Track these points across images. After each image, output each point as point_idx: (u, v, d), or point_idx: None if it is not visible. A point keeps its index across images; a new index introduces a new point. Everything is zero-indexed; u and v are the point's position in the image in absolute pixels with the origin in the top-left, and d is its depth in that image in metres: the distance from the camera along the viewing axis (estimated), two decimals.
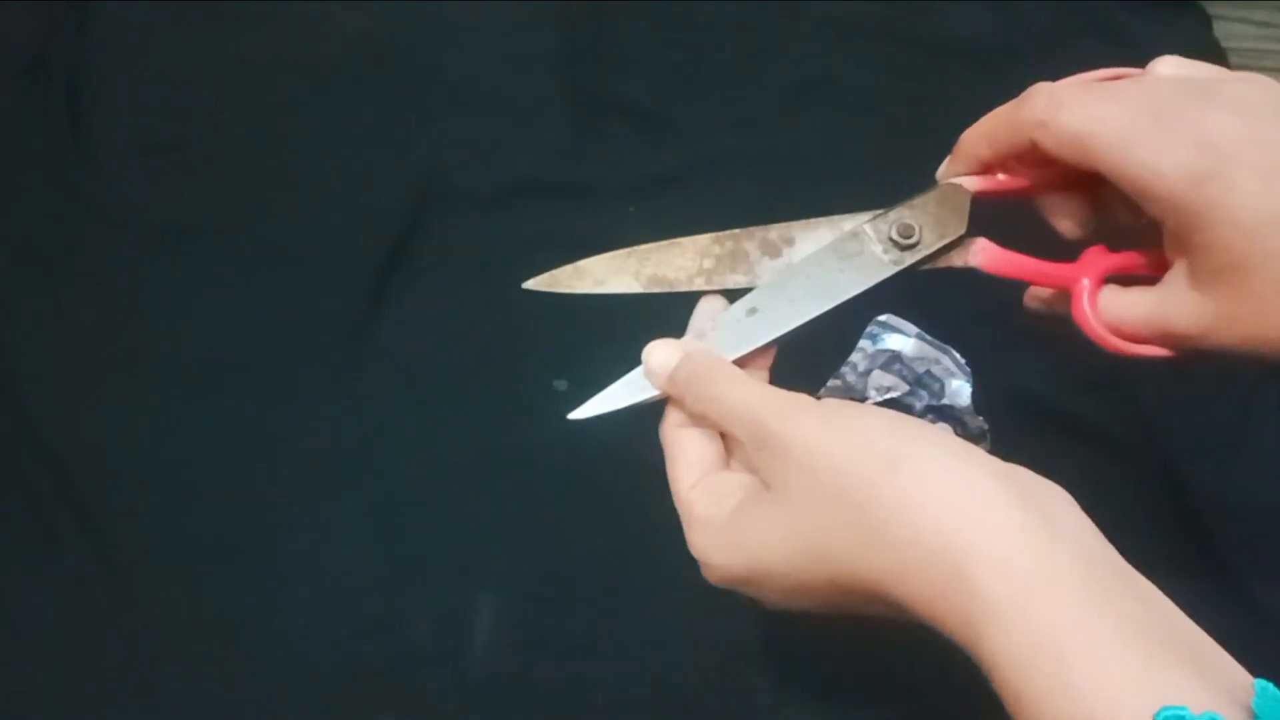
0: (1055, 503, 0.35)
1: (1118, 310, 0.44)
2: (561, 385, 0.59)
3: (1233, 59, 0.70)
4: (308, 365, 0.59)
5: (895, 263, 0.44)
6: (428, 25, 0.70)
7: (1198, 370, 0.55)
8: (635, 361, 0.46)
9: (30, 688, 0.52)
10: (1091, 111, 0.41)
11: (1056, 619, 0.31)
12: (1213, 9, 0.72)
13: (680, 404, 0.43)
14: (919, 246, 0.44)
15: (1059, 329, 0.46)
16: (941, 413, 0.44)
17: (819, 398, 0.41)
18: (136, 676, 0.52)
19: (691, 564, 0.42)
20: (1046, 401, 0.57)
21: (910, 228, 0.44)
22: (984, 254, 0.46)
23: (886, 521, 0.35)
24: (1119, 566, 0.34)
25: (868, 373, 0.44)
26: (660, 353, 0.44)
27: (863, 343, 0.44)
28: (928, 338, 0.44)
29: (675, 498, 0.42)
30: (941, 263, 0.45)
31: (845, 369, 0.44)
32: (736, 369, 0.43)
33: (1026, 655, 0.31)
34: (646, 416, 0.46)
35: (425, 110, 0.67)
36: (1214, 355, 0.42)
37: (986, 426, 0.44)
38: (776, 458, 0.38)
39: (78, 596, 0.54)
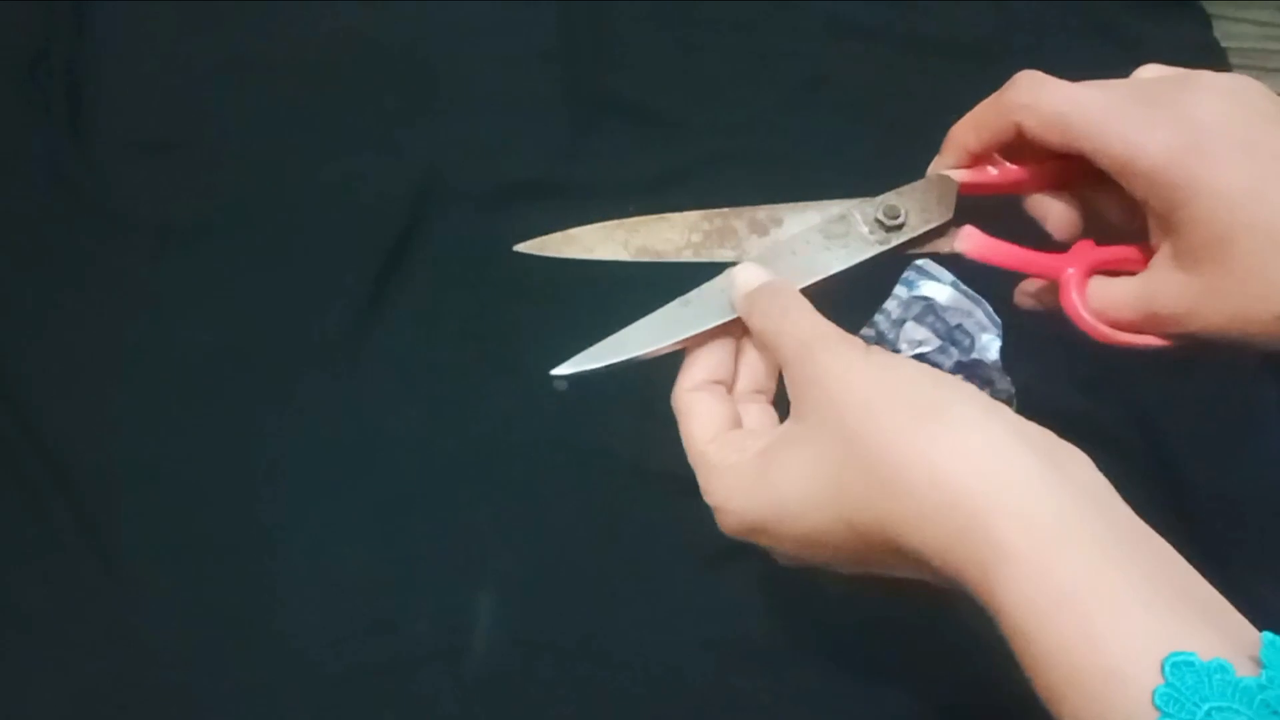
0: (1075, 462, 0.36)
1: (1106, 297, 0.44)
2: (561, 385, 0.59)
3: (1233, 59, 0.70)
4: (308, 365, 0.59)
5: (880, 243, 0.45)
6: (427, 25, 0.70)
7: (1197, 369, 0.55)
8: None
9: (30, 688, 0.52)
10: (1074, 94, 0.43)
11: (1077, 571, 0.32)
12: (1213, 9, 0.72)
13: (747, 319, 0.44)
14: (904, 229, 0.45)
15: (1049, 325, 0.46)
16: (970, 369, 0.44)
17: None
18: (136, 676, 0.52)
19: (691, 564, 0.42)
20: (1046, 401, 0.57)
21: (896, 210, 0.45)
22: (970, 240, 0.46)
23: (907, 466, 0.35)
24: (1135, 523, 0.34)
25: (901, 322, 0.44)
26: (748, 271, 0.44)
27: (898, 289, 0.45)
28: (963, 287, 0.45)
29: (690, 452, 0.43)
30: (928, 248, 0.46)
31: (879, 317, 0.45)
32: (806, 302, 0.43)
33: (1046, 606, 0.32)
34: (649, 418, 0.46)
35: (425, 110, 0.67)
36: (1203, 340, 0.42)
37: (1014, 390, 0.44)
38: (813, 385, 0.39)
39: (78, 596, 0.54)
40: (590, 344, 0.46)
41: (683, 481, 0.43)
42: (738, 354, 0.45)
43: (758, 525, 0.40)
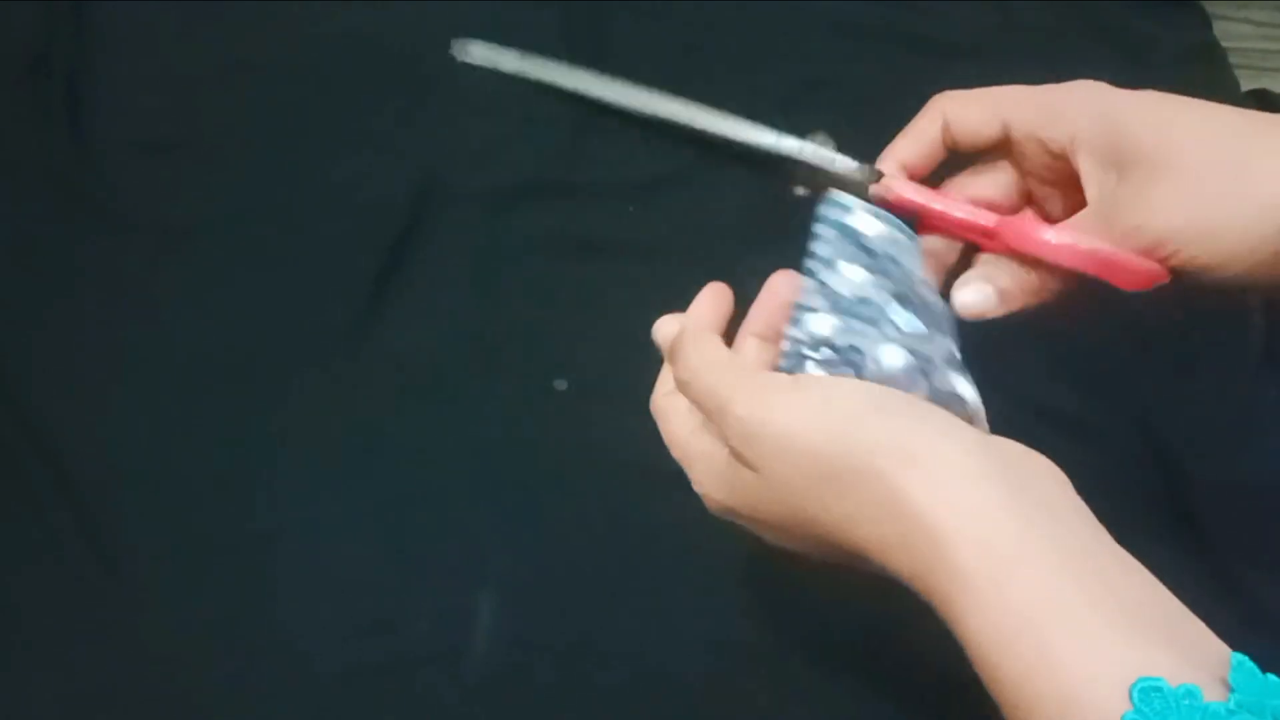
0: (1038, 477, 0.36)
1: (1062, 233, 0.44)
2: (561, 385, 0.59)
3: (1233, 59, 0.70)
4: (308, 365, 0.59)
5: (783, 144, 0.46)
6: (428, 25, 0.70)
7: (1197, 369, 0.55)
8: (635, 361, 0.46)
9: (30, 688, 0.52)
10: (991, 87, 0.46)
11: (1034, 597, 0.32)
12: (1213, 9, 0.72)
13: (674, 372, 0.44)
14: (817, 146, 0.46)
15: (1049, 325, 0.46)
16: (918, 309, 0.44)
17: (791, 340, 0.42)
18: (136, 676, 0.52)
19: (691, 564, 0.42)
20: (1046, 401, 0.57)
21: (821, 138, 0.46)
22: (898, 183, 0.46)
23: (869, 501, 0.35)
24: (1099, 540, 0.34)
25: (832, 262, 0.44)
26: (664, 326, 0.45)
27: (820, 228, 0.45)
28: (878, 210, 0.45)
29: (674, 449, 0.43)
30: (852, 188, 0.46)
31: (811, 262, 0.44)
32: (717, 346, 0.43)
33: (1005, 634, 0.32)
34: (649, 417, 0.46)
35: (425, 110, 0.67)
36: (1168, 257, 0.41)
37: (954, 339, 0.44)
38: (751, 443, 0.39)
39: (78, 596, 0.54)
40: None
41: (683, 481, 0.43)
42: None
43: (733, 512, 0.41)
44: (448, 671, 0.52)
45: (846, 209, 0.45)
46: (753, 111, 0.61)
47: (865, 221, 0.45)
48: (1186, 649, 0.31)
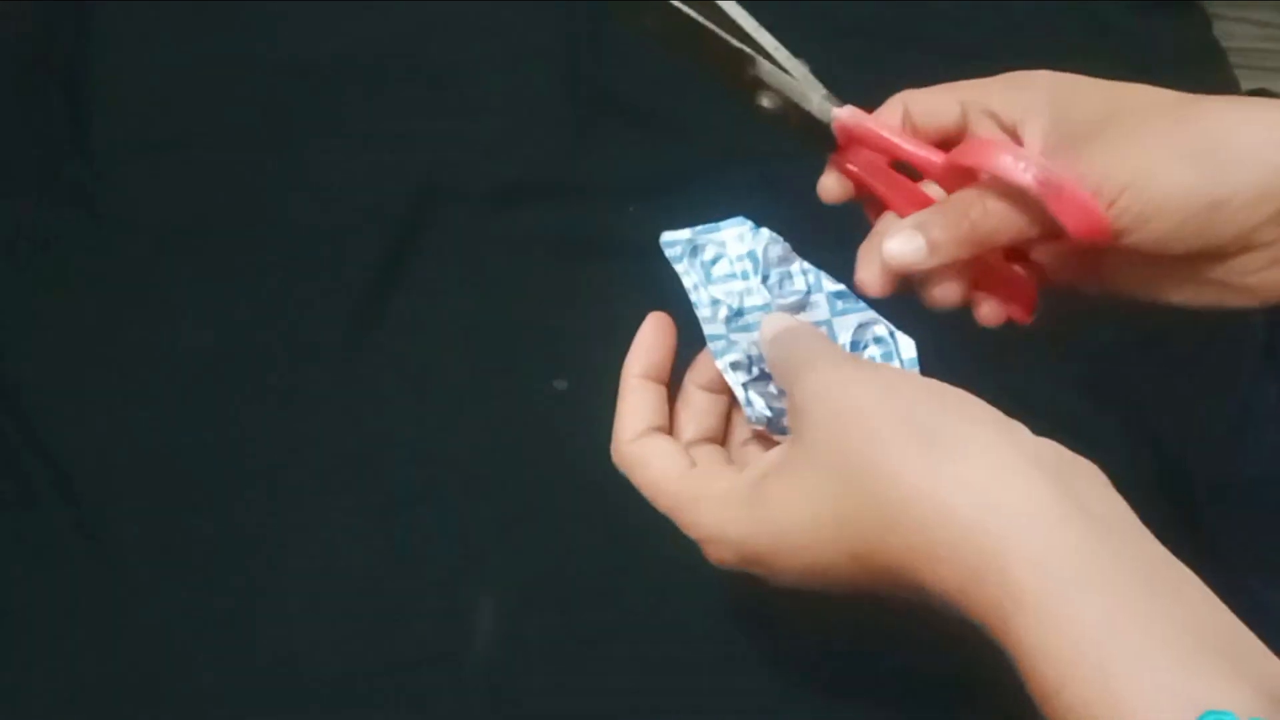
0: (1091, 485, 0.34)
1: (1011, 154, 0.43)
2: (561, 385, 0.59)
3: (1233, 59, 0.70)
4: (308, 365, 0.59)
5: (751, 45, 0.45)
6: (428, 26, 0.70)
7: (1196, 368, 0.55)
8: None
9: (30, 687, 0.52)
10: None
11: (1096, 620, 0.30)
12: (1213, 9, 0.72)
13: (769, 358, 0.43)
14: (784, 70, 0.46)
15: (1048, 325, 0.46)
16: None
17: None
18: (136, 676, 0.52)
19: (691, 564, 0.42)
20: (1046, 401, 0.57)
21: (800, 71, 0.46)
22: (851, 112, 0.46)
23: (916, 498, 0.34)
24: (1155, 555, 0.33)
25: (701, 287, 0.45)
26: (774, 320, 0.43)
27: (679, 268, 0.45)
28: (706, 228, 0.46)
29: (659, 495, 0.41)
30: (815, 108, 0.46)
31: (700, 311, 0.44)
32: (822, 334, 0.43)
33: (1065, 655, 0.30)
34: None
35: (425, 110, 0.67)
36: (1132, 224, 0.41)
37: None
38: (815, 400, 0.37)
39: (78, 596, 0.54)
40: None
41: None
42: (677, 404, 0.44)
43: (754, 556, 0.39)
44: (448, 672, 0.52)
45: (680, 240, 0.46)
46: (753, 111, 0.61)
47: (727, 236, 0.46)
48: (1248, 673, 0.30)
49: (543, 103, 0.67)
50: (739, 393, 0.42)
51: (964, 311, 0.48)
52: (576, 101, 0.67)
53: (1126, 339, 0.59)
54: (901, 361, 0.43)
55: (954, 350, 0.45)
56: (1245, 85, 0.69)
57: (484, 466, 0.57)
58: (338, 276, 0.61)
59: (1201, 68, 0.70)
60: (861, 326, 0.44)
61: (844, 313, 0.44)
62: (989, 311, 0.45)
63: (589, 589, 0.54)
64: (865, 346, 0.44)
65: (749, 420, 0.42)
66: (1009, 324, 0.47)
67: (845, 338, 0.44)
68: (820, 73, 0.47)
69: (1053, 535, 0.32)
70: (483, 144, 0.66)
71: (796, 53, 0.48)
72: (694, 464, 0.42)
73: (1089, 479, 0.35)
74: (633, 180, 0.65)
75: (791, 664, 0.52)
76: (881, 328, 0.44)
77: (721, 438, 0.45)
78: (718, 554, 0.40)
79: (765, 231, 0.46)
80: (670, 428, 0.44)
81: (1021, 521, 0.32)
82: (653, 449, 0.42)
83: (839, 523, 0.36)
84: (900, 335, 0.44)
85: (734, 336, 0.44)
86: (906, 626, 0.44)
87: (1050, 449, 0.35)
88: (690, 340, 0.44)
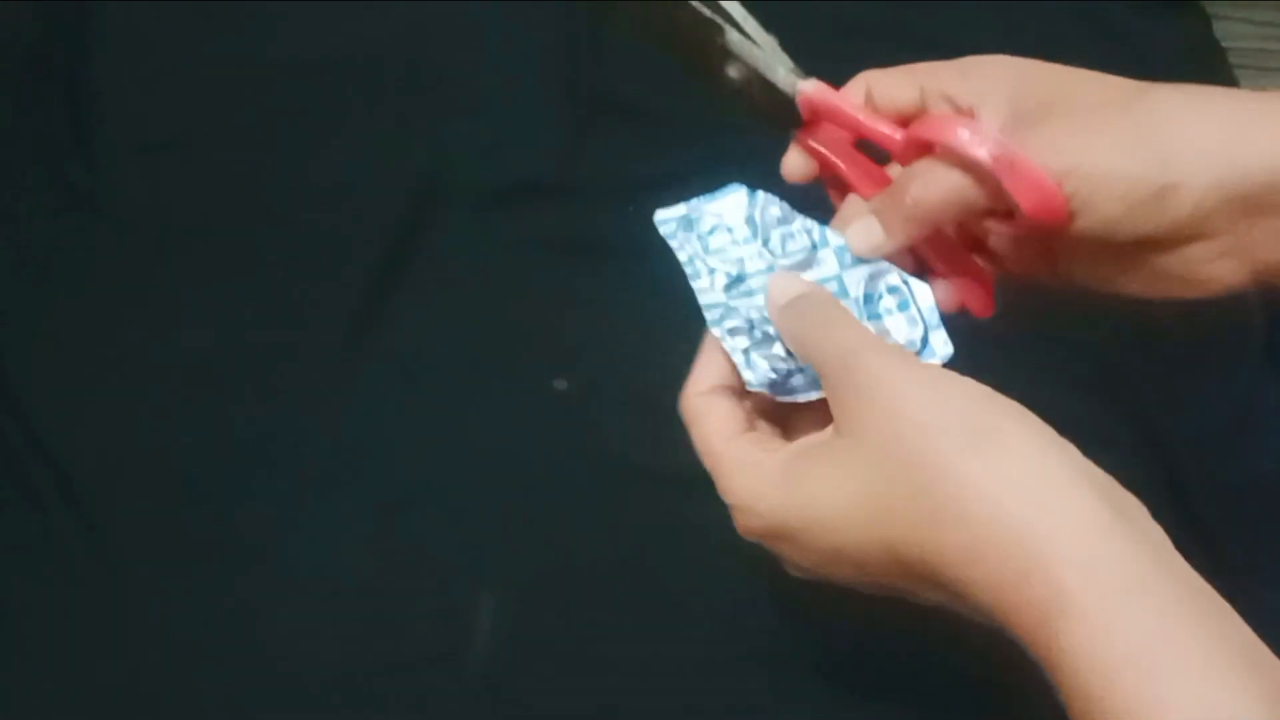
0: (1136, 507, 0.34)
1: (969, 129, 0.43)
2: (561, 385, 0.59)
3: (1233, 59, 0.70)
4: (308, 365, 0.59)
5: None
6: (428, 26, 0.70)
7: (1197, 369, 0.55)
8: (635, 361, 0.46)
9: (30, 687, 0.52)
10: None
11: (1146, 630, 0.31)
12: (1213, 9, 0.72)
13: (784, 331, 0.42)
14: (752, 40, 0.45)
15: (1046, 325, 0.45)
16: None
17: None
18: (136, 676, 0.52)
19: (691, 563, 0.42)
20: (1046, 401, 0.57)
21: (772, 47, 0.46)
22: (815, 85, 0.46)
23: (964, 495, 0.34)
24: (1192, 577, 0.33)
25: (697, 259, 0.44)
26: (784, 281, 0.43)
27: (672, 245, 0.45)
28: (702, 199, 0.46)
29: (706, 453, 0.41)
30: (780, 80, 0.46)
31: (694, 286, 0.44)
32: (848, 311, 0.42)
33: (1113, 662, 0.30)
34: (650, 417, 0.46)
35: (425, 110, 0.67)
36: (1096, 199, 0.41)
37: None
38: (860, 395, 0.37)
39: (78, 596, 0.54)
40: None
41: (684, 481, 0.43)
42: None
43: (783, 530, 0.38)
44: (448, 672, 0.52)
45: (675, 216, 0.46)
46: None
47: (724, 209, 0.46)
48: (1274, 692, 0.30)
49: (543, 103, 0.67)
50: (738, 359, 0.42)
51: (961, 314, 0.48)
52: (576, 101, 0.67)
53: (1126, 339, 0.59)
54: (919, 309, 0.43)
55: (954, 350, 0.45)
56: (1245, 85, 0.69)
57: (484, 466, 0.57)
58: (338, 276, 0.61)
59: (1201, 68, 0.70)
60: (873, 277, 0.43)
61: (854, 265, 0.44)
62: (943, 295, 0.44)
63: (589, 589, 0.54)
64: (880, 298, 0.43)
65: (748, 386, 0.41)
66: (1008, 325, 0.47)
67: (858, 291, 0.43)
68: (819, 72, 0.47)
69: (1104, 543, 0.32)
70: (483, 144, 0.66)
71: (787, 48, 0.48)
72: (752, 429, 0.42)
73: (1133, 502, 0.35)
74: (633, 180, 0.65)
75: (791, 664, 0.52)
76: (894, 276, 0.43)
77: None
78: (746, 523, 0.40)
79: (761, 194, 0.46)
80: (741, 391, 0.43)
81: (1073, 526, 0.32)
82: (715, 405, 0.42)
83: (879, 510, 0.36)
84: (915, 281, 0.43)
85: (734, 302, 0.43)
86: (909, 628, 0.45)
87: (1095, 469, 0.35)
88: (698, 332, 0.44)
